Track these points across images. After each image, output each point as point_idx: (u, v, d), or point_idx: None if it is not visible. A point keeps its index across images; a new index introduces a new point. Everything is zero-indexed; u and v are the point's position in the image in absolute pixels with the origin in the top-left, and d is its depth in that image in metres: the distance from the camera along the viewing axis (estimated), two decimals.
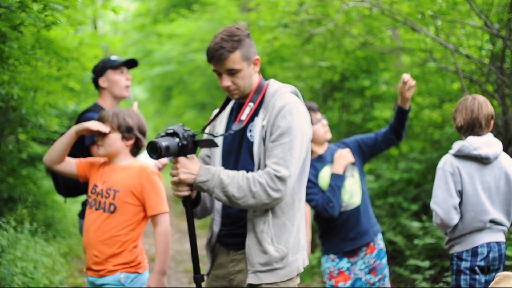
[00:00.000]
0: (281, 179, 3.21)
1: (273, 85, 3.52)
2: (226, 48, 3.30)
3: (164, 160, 4.72)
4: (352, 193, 4.90)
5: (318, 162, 4.96)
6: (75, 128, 4.09)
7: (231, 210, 3.50)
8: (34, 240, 6.96)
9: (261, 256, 3.34)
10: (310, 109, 4.83)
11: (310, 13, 8.12)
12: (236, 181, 3.23)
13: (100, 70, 4.93)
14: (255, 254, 3.35)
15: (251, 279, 3.36)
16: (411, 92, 4.81)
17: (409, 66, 9.30)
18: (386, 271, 4.97)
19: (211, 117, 3.69)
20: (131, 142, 4.14)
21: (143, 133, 4.20)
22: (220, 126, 3.61)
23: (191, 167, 3.27)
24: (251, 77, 3.44)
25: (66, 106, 11.49)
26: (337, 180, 4.76)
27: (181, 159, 3.28)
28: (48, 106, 7.71)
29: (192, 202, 3.47)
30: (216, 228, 3.59)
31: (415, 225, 7.41)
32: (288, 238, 3.38)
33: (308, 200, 4.85)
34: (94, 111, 4.75)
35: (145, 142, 4.13)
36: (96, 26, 19.75)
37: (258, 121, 3.41)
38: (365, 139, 5.07)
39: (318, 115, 4.96)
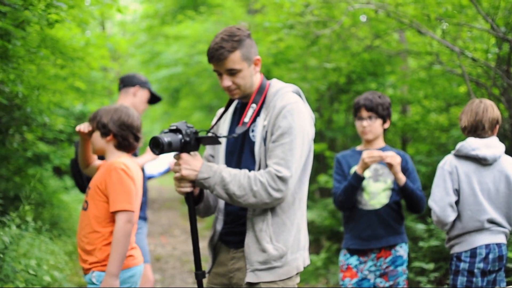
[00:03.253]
0: (282, 179, 3.21)
1: (275, 84, 3.53)
2: (226, 48, 3.31)
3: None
4: (375, 196, 4.89)
5: (358, 155, 4.98)
6: None
7: (231, 208, 3.51)
8: (39, 238, 6.97)
9: (259, 255, 3.34)
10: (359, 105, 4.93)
11: (316, 14, 8.10)
12: (237, 180, 3.23)
13: (143, 81, 5.54)
14: (254, 253, 3.35)
15: (250, 278, 3.35)
16: (395, 169, 4.72)
17: (416, 69, 9.28)
18: (401, 280, 4.89)
19: (216, 118, 3.70)
20: (109, 138, 4.11)
21: (125, 128, 4.11)
22: (223, 126, 3.63)
23: (193, 164, 3.27)
24: (251, 77, 3.44)
25: (73, 106, 11.52)
26: (353, 178, 4.78)
27: (184, 155, 3.28)
28: (52, 105, 7.73)
29: (195, 199, 3.46)
30: (219, 226, 3.59)
31: (420, 227, 7.39)
32: (287, 237, 3.37)
33: (333, 185, 4.98)
34: None
35: (131, 137, 4.14)
36: (104, 27, 19.79)
37: (260, 121, 3.42)
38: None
39: (364, 113, 4.93)
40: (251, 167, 3.39)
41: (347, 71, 9.07)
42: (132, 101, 5.51)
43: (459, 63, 6.69)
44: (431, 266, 6.83)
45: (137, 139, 4.18)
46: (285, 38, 8.70)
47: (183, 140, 3.27)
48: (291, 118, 3.29)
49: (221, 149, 3.56)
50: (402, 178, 4.78)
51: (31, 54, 5.72)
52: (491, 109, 4.36)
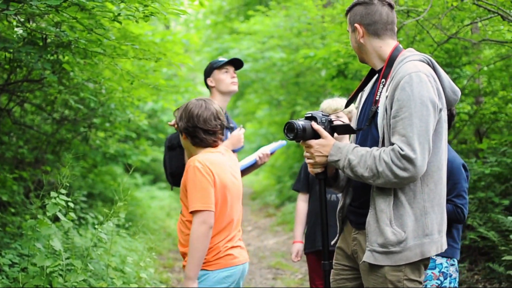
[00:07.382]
0: (405, 157, 3.05)
1: (405, 53, 3.35)
2: (347, 9, 3.46)
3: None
4: None
5: None
6: None
7: (356, 183, 3.45)
8: (120, 235, 6.95)
9: (378, 236, 3.22)
10: None
11: (401, 4, 7.83)
12: (363, 161, 3.17)
13: (208, 71, 5.39)
14: (374, 232, 3.24)
15: (367, 257, 3.27)
16: None
17: (491, 59, 9.02)
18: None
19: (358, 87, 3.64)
20: (189, 139, 3.94)
21: (191, 124, 3.88)
22: (363, 96, 3.59)
23: (323, 149, 3.34)
24: (356, 43, 3.42)
25: (144, 103, 11.53)
26: None
27: (315, 141, 3.36)
28: (137, 101, 7.67)
29: (333, 177, 3.55)
30: (348, 199, 3.57)
31: (510, 219, 7.10)
32: (406, 221, 3.18)
33: None
34: None
35: (200, 133, 3.88)
36: (168, 25, 19.89)
37: (383, 91, 3.29)
38: None
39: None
40: (377, 140, 3.29)
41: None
42: (217, 90, 5.27)
43: None
44: None
45: (208, 133, 3.91)
46: None
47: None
48: (409, 89, 3.11)
49: (353, 123, 3.57)
50: None
51: (123, 47, 5.66)
52: None
